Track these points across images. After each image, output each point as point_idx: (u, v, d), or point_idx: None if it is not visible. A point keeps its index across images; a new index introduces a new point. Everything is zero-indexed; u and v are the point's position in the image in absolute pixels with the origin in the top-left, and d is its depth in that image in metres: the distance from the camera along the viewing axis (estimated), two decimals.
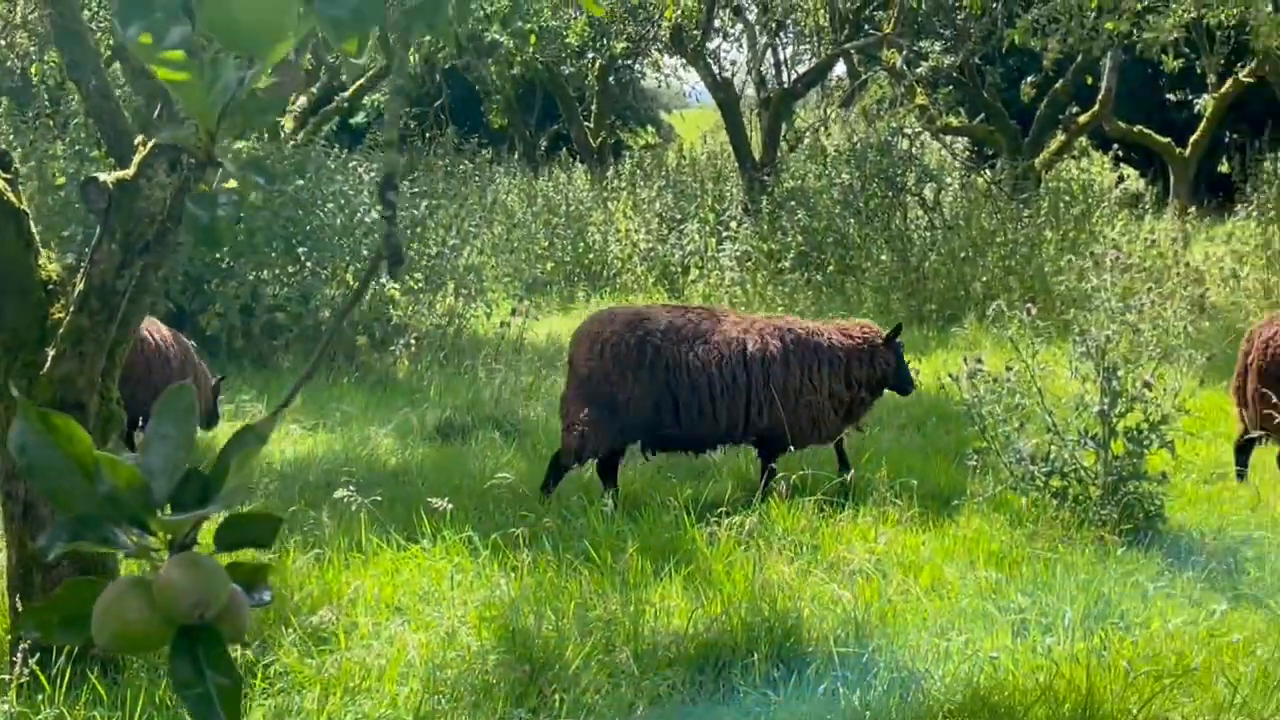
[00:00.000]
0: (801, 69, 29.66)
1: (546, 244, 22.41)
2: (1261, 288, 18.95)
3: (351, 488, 7.84)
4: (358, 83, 21.16)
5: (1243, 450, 10.76)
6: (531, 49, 23.84)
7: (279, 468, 10.07)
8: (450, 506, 7.65)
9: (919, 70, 24.27)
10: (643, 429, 9.62)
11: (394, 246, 1.59)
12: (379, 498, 8.24)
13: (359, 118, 32.52)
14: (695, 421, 9.61)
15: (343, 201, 15.21)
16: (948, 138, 26.08)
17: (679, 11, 22.12)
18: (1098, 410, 9.02)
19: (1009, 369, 9.55)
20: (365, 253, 14.74)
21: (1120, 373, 8.98)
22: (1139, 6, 15.65)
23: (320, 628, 6.48)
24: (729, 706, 5.94)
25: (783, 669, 6.31)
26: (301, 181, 14.86)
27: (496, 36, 25.49)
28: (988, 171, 24.77)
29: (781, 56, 31.12)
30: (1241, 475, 10.64)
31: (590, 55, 29.56)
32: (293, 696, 5.91)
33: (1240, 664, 6.52)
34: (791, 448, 9.65)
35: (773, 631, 6.56)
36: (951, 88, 26.63)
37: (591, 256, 22.25)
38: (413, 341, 14.43)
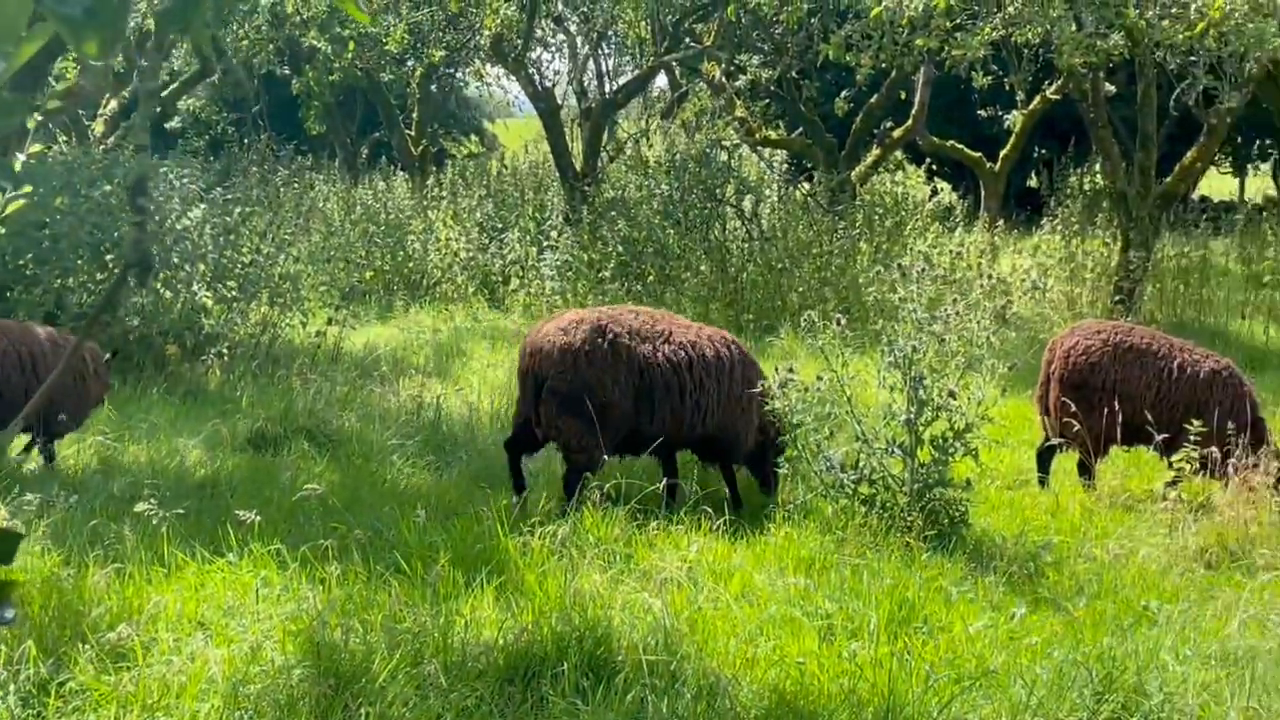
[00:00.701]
0: (623, 80, 29.85)
1: (365, 252, 22.16)
2: (1065, 299, 19.57)
3: (153, 501, 7.64)
4: (171, 87, 20.71)
5: (1044, 457, 11.09)
6: (350, 55, 23.59)
7: (79, 480, 9.79)
8: (259, 519, 7.50)
9: (738, 83, 24.56)
10: (626, 430, 9.75)
11: (141, 254, 1.55)
12: (183, 511, 8.06)
13: (174, 122, 31.84)
14: (666, 421, 9.73)
15: (152, 208, 14.84)
16: (766, 150, 26.42)
17: (499, 21, 22.05)
18: (904, 419, 9.20)
19: (819, 378, 9.69)
20: (175, 260, 14.41)
21: (926, 382, 9.17)
22: (948, 24, 16.02)
23: (118, 644, 6.31)
24: (538, 716, 5.92)
25: (592, 678, 6.32)
26: (110, 187, 14.45)
27: (314, 42, 25.22)
28: (805, 184, 25.17)
29: (603, 67, 31.29)
30: (1043, 482, 10.96)
31: (410, 63, 29.33)
32: (88, 715, 5.75)
33: (1037, 665, 6.70)
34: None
35: (583, 641, 6.55)
36: (770, 101, 27.01)
37: (411, 265, 22.06)
38: (225, 351, 14.15)
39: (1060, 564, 8.65)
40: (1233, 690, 6.40)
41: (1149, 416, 10.31)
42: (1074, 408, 10.57)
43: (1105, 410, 10.50)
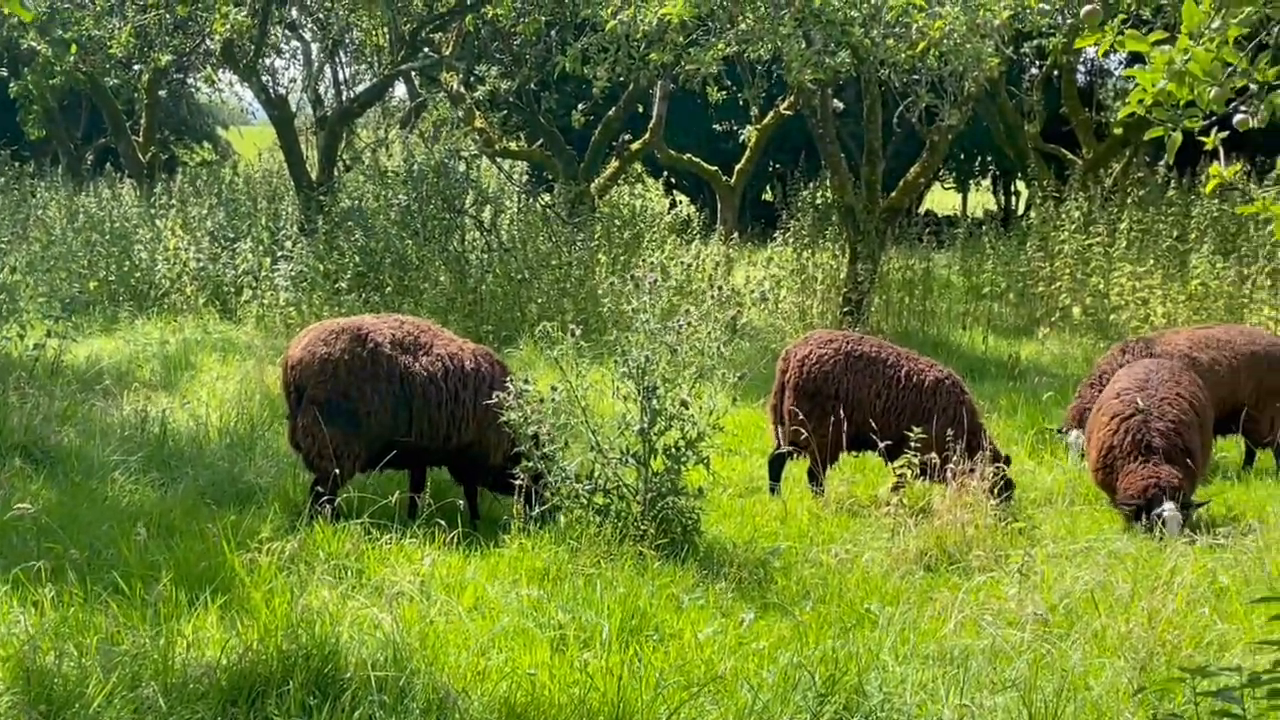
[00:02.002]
0: (360, 88, 29.44)
1: (88, 262, 21.37)
2: (796, 310, 20.06)
3: None
4: None
5: (775, 465, 11.33)
6: (71, 58, 22.74)
7: None
8: None
9: (477, 94, 24.50)
10: (385, 440, 9.76)
11: None
12: None
13: None
14: (424, 433, 9.77)
15: None
16: (506, 161, 26.42)
17: (229, 26, 21.54)
18: (638, 429, 9.29)
19: (554, 389, 9.72)
20: None
21: (659, 392, 9.28)
22: (682, 39, 16.27)
23: None
24: None
25: (319, 696, 6.19)
26: None
27: (33, 44, 24.23)
28: (545, 195, 25.24)
29: (340, 75, 30.85)
30: (774, 489, 11.19)
31: (137, 67, 28.42)
32: None
33: (764, 669, 6.83)
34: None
35: (310, 659, 6.42)
36: (509, 112, 27.02)
37: (138, 276, 21.34)
38: None
39: (788, 569, 8.84)
40: (948, 689, 6.62)
41: (875, 424, 10.63)
42: (805, 415, 10.84)
43: (835, 417, 10.79)
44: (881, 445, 10.49)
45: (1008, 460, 10.89)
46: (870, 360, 11.07)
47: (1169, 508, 9.71)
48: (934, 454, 10.36)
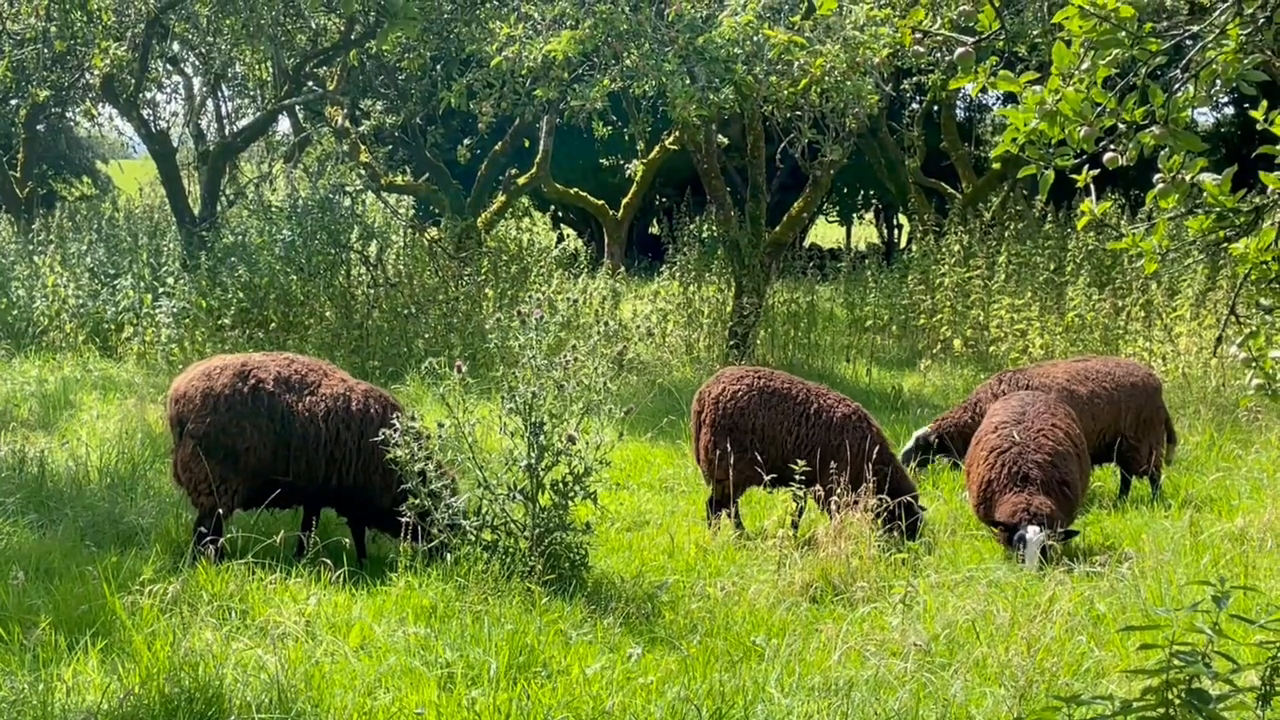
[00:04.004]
0: (243, 122, 29.20)
1: None
2: (684, 343, 20.18)
3: None
4: None
5: (718, 508, 11.25)
6: None
7: None
8: None
9: (362, 128, 24.41)
10: (265, 478, 9.72)
11: None
12: None
13: None
14: (302, 473, 9.75)
15: None
16: (392, 196, 26.32)
17: (109, 61, 21.27)
18: (525, 464, 9.30)
19: (441, 425, 9.70)
20: None
21: (546, 428, 9.30)
22: (567, 75, 16.35)
23: None
24: None
25: None
26: None
27: None
28: (431, 230, 25.18)
29: (223, 109, 30.56)
30: (740, 527, 11.12)
31: (14, 102, 27.95)
32: None
33: (652, 704, 6.87)
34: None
35: (193, 702, 6.37)
36: (394, 146, 26.94)
37: (15, 313, 20.96)
38: None
39: (676, 603, 8.89)
40: (833, 719, 6.70)
41: (788, 458, 10.70)
42: (721, 451, 10.90)
43: (752, 453, 10.88)
44: (794, 482, 10.51)
45: (916, 497, 11.02)
46: (782, 396, 11.18)
47: (1032, 531, 9.90)
48: (820, 486, 10.49)
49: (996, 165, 24.00)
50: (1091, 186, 5.54)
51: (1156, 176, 5.21)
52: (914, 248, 25.42)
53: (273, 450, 9.70)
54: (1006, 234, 23.03)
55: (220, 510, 9.54)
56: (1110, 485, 12.89)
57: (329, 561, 8.73)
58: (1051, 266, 21.45)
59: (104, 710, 6.28)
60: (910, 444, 12.96)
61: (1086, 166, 5.48)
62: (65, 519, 10.48)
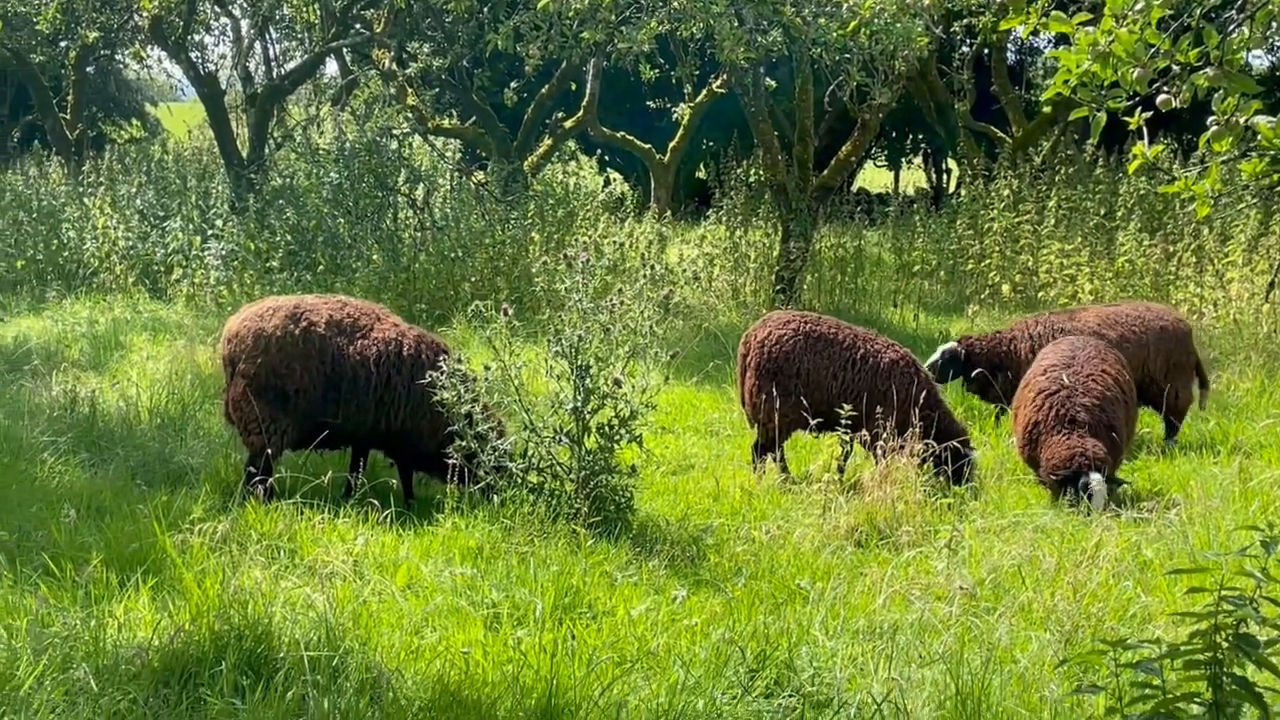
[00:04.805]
0: (291, 65, 29.20)
1: (15, 241, 21.12)
2: (730, 288, 20.13)
3: None
4: None
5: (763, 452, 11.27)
6: None
7: None
8: None
9: (409, 71, 24.37)
10: (315, 420, 9.77)
11: None
12: None
13: None
14: (352, 415, 9.81)
15: None
16: (439, 139, 26.29)
17: (156, 3, 21.30)
18: (571, 407, 9.33)
19: (487, 368, 9.73)
20: None
21: (592, 371, 9.32)
22: (614, 18, 16.26)
23: None
24: (195, 718, 5.77)
25: (252, 677, 6.21)
26: None
27: None
28: (478, 173, 25.15)
29: (271, 52, 30.52)
30: (786, 471, 11.12)
31: (64, 44, 28.04)
32: None
33: (697, 646, 6.90)
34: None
35: (242, 639, 6.43)
36: (441, 90, 26.88)
37: (66, 254, 21.13)
38: None
39: (721, 546, 8.91)
40: (877, 662, 6.72)
41: (834, 402, 10.68)
42: (766, 395, 10.89)
43: (797, 397, 10.86)
44: (840, 426, 10.49)
45: (965, 441, 10.97)
46: (828, 341, 11.14)
47: (1095, 479, 9.84)
48: (867, 431, 10.47)
49: (1047, 109, 23.74)
50: (1144, 129, 5.48)
51: (1210, 119, 5.16)
52: (963, 192, 25.21)
53: (323, 392, 9.76)
54: (1057, 179, 22.80)
55: (270, 450, 9.63)
56: (1159, 431, 12.79)
57: (376, 502, 8.79)
58: (1102, 211, 21.24)
59: (155, 646, 6.35)
60: (936, 356, 12.84)
61: (1139, 109, 5.42)
62: (116, 458, 10.59)
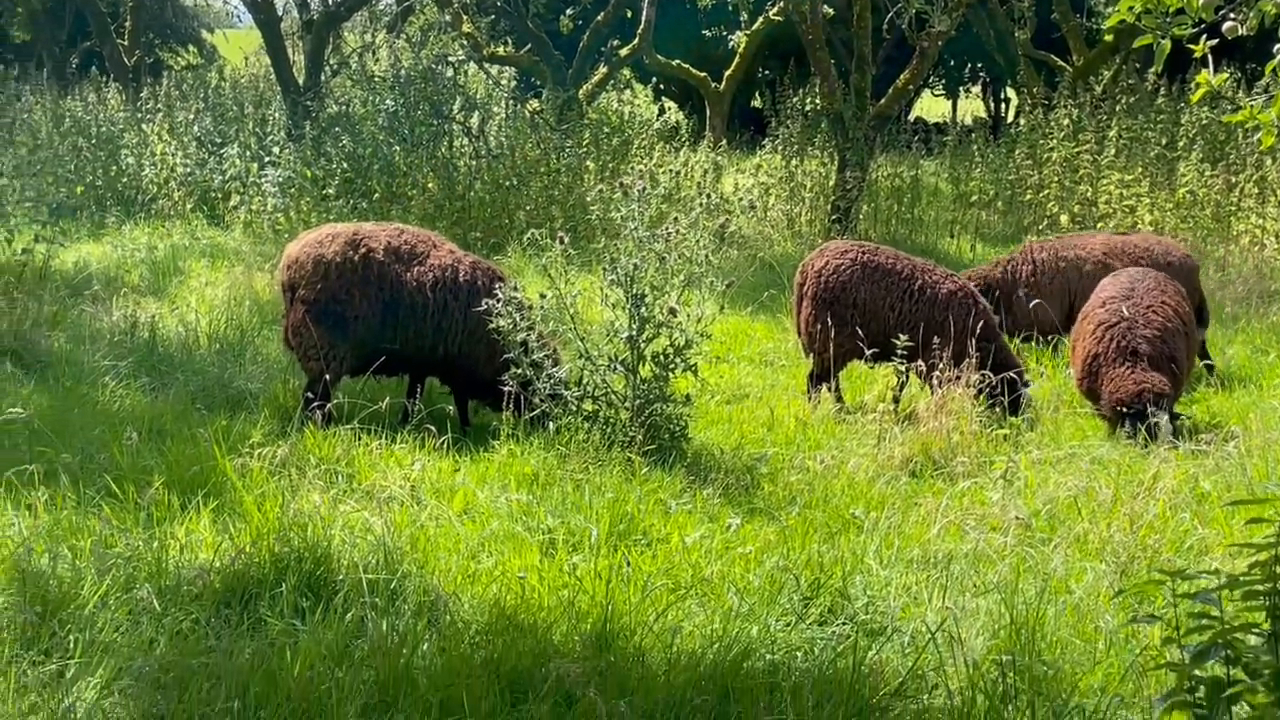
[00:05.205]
0: None
1: (75, 166, 21.27)
2: (785, 218, 20.05)
3: None
4: None
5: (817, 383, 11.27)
6: None
7: None
8: None
9: None
10: (373, 347, 9.82)
11: None
12: None
13: None
14: (410, 341, 9.86)
15: None
16: (494, 67, 26.22)
17: None
18: (627, 336, 9.34)
19: (543, 296, 9.76)
20: None
21: (648, 299, 9.32)
22: None
23: None
24: (255, 638, 5.86)
25: (312, 598, 6.29)
26: None
27: None
28: (533, 101, 25.08)
29: None
30: (841, 401, 11.12)
31: None
32: None
33: (750, 573, 6.93)
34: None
35: (302, 562, 6.51)
36: (497, 17, 26.80)
37: (125, 180, 21.28)
38: None
39: (774, 475, 8.92)
40: (931, 591, 6.73)
41: (890, 333, 10.63)
42: (822, 324, 10.86)
43: (853, 327, 10.83)
44: (896, 357, 10.45)
45: (1021, 373, 10.90)
46: (886, 271, 11.09)
47: (1160, 414, 9.77)
48: (923, 360, 10.41)
49: (1109, 37, 23.26)
50: (1209, 57, 5.40)
51: (1276, 47, 5.07)
52: (1021, 121, 24.92)
53: (381, 319, 9.80)
54: (1117, 108, 22.48)
55: (328, 376, 9.71)
56: (1220, 366, 12.66)
57: (433, 428, 8.84)
58: (1163, 141, 20.95)
59: (216, 568, 6.44)
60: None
61: (1204, 36, 5.33)
62: (176, 383, 10.70)
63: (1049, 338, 12.82)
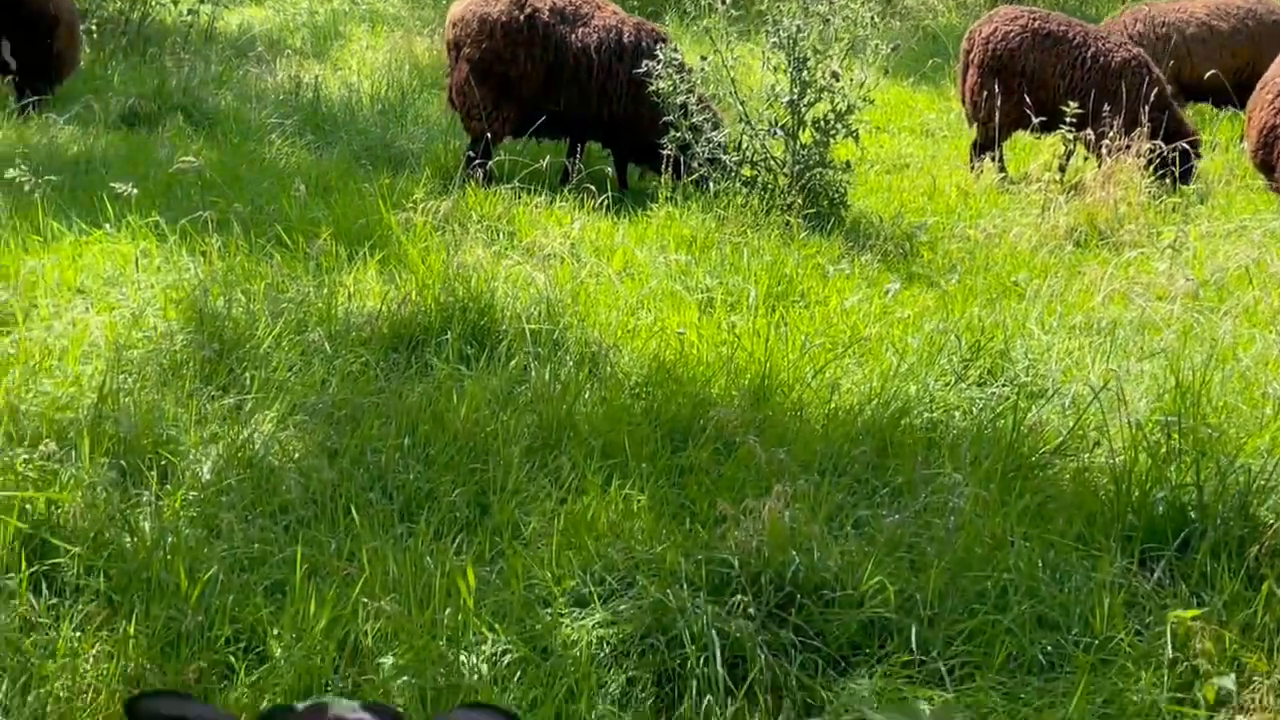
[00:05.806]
0: None
1: None
2: None
3: (24, 166, 7.48)
4: None
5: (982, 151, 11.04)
6: None
7: None
8: (135, 192, 7.35)
9: None
10: (535, 107, 9.82)
11: None
12: (56, 179, 7.92)
13: None
14: (573, 102, 9.84)
15: None
16: None
17: None
18: (787, 100, 9.22)
19: (703, 59, 9.64)
20: None
21: (810, 63, 9.16)
22: None
23: None
24: (422, 381, 6.01)
25: (476, 346, 6.41)
26: None
27: None
28: None
29: None
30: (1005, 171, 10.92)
31: None
32: None
33: (909, 336, 6.90)
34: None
35: (466, 311, 6.62)
36: None
37: None
38: (93, 28, 13.63)
39: (934, 244, 8.83)
40: (1094, 356, 6.66)
41: (1059, 102, 10.32)
42: (987, 91, 10.60)
43: (1020, 95, 10.54)
44: (1064, 125, 10.14)
45: (1195, 142, 10.55)
46: (1057, 39, 10.75)
47: None
48: (1090, 130, 10.11)
49: None
50: None
51: None
52: None
53: (544, 79, 9.77)
54: None
55: (490, 135, 9.76)
56: None
57: (593, 188, 8.86)
58: None
59: (384, 314, 6.58)
60: None
61: None
62: (340, 141, 10.84)
63: None
